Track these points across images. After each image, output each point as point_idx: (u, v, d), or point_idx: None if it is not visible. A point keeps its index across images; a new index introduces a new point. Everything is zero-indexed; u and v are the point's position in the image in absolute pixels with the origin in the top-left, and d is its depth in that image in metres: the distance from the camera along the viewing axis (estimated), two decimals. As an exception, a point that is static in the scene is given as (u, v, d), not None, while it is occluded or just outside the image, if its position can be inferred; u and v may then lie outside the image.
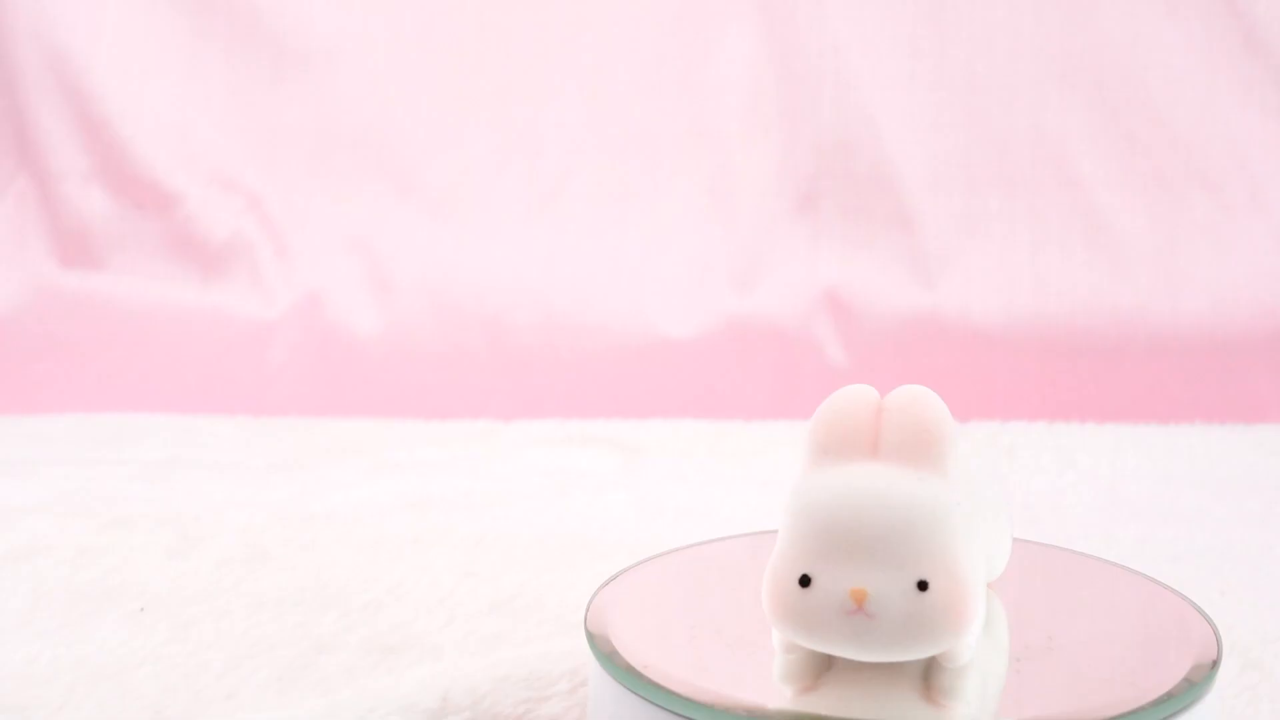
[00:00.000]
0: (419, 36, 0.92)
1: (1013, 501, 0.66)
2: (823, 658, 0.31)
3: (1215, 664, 0.32)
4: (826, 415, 0.31)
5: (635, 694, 0.31)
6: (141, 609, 0.50)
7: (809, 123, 0.90)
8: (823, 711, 0.29)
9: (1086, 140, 0.88)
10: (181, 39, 0.92)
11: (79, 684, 0.44)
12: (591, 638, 0.33)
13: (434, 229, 0.91)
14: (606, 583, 0.37)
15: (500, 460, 0.76)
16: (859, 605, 0.29)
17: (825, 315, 0.89)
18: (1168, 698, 0.30)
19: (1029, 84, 0.89)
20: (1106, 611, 0.37)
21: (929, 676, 0.30)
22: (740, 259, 0.90)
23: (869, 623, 0.29)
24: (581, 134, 0.92)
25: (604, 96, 0.92)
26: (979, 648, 0.32)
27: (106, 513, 0.64)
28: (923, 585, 0.29)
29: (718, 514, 0.65)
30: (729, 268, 0.90)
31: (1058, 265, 0.88)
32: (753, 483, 0.71)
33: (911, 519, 0.29)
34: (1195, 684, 0.31)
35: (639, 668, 0.31)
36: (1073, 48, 0.88)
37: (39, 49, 0.90)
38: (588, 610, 0.35)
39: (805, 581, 0.29)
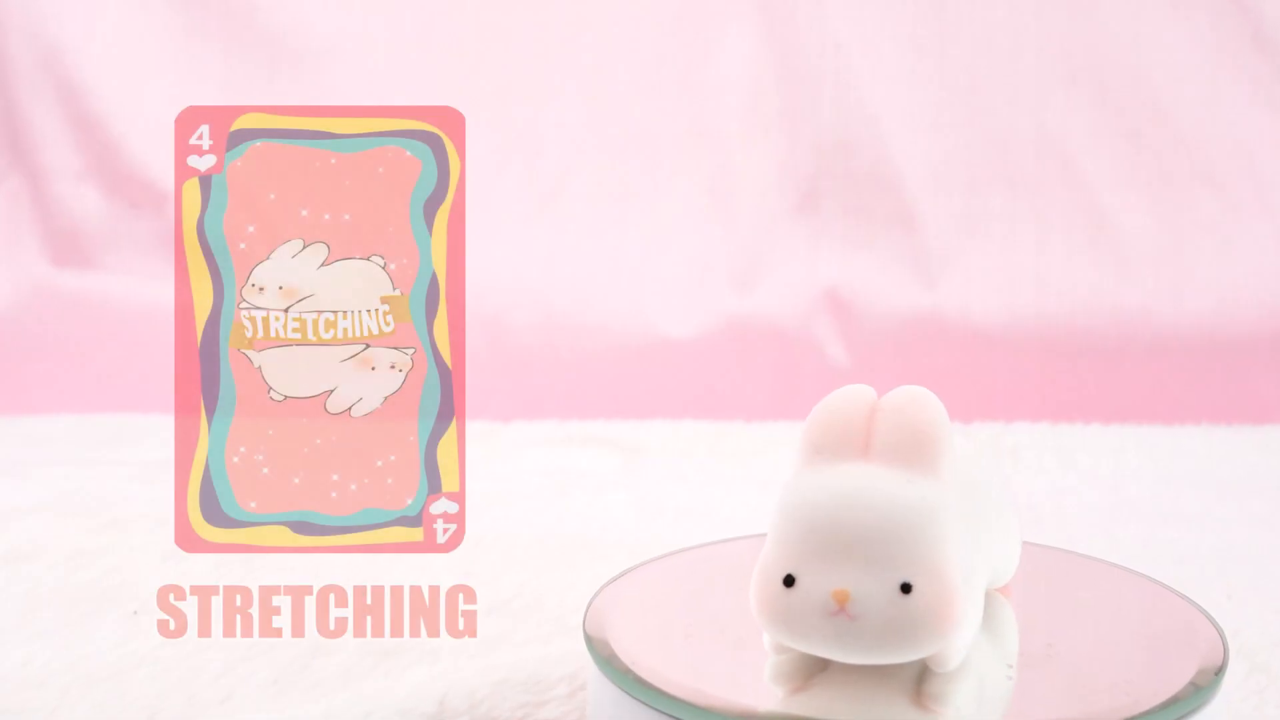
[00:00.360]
0: (419, 36, 0.92)
1: (1016, 503, 0.65)
2: (815, 659, 0.31)
3: (1222, 668, 0.31)
4: (820, 415, 0.31)
5: (633, 698, 0.31)
6: (135, 612, 0.50)
7: (809, 122, 0.89)
8: (808, 714, 0.29)
9: (1089, 139, 0.88)
10: (177, 37, 0.91)
11: (75, 686, 0.43)
12: (590, 641, 0.33)
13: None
14: (605, 586, 0.37)
15: (500, 460, 0.76)
16: (841, 606, 0.29)
17: (825, 315, 0.88)
18: (1174, 702, 0.30)
19: (1031, 83, 0.88)
20: (1111, 615, 0.36)
21: (920, 680, 0.30)
22: (740, 259, 0.90)
23: (851, 624, 0.29)
24: (581, 134, 0.92)
25: (604, 96, 0.91)
26: (979, 652, 0.31)
27: (104, 513, 0.63)
28: (906, 588, 0.28)
29: (718, 514, 0.65)
30: (729, 268, 0.90)
31: (1060, 265, 0.88)
32: (753, 483, 0.71)
33: (896, 520, 0.29)
34: (1201, 688, 0.30)
35: (637, 671, 0.31)
36: (1075, 46, 0.88)
37: (33, 47, 0.90)
38: (586, 613, 0.35)
39: (789, 581, 0.29)
